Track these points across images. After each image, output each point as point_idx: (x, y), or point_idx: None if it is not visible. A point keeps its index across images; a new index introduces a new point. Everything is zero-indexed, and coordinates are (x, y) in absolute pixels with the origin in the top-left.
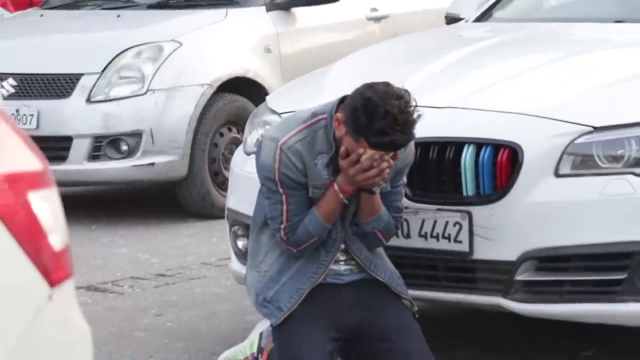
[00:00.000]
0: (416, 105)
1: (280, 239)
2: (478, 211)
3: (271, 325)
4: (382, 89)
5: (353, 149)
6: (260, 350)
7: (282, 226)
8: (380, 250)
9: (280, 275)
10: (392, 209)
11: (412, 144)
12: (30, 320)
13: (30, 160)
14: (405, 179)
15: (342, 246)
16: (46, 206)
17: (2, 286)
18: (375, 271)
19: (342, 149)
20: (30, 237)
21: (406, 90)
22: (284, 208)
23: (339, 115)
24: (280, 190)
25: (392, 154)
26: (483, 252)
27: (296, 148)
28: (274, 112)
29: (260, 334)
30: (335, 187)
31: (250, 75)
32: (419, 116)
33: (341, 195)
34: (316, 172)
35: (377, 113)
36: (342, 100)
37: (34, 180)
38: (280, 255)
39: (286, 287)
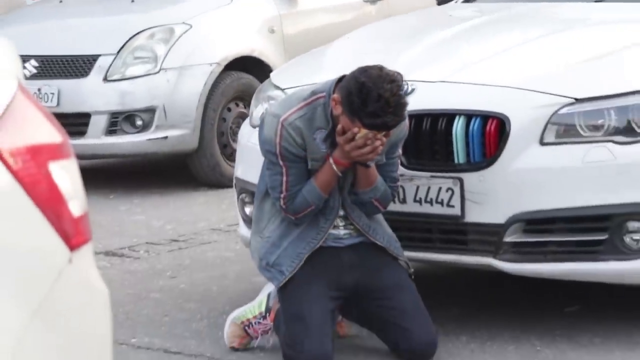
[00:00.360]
0: (407, 90)
1: (280, 208)
2: (469, 177)
3: (275, 287)
4: (375, 74)
5: (349, 128)
6: (267, 309)
7: (282, 195)
8: (379, 215)
9: (282, 241)
10: (389, 179)
11: (406, 120)
12: (52, 282)
13: (50, 133)
14: (400, 151)
15: (342, 212)
16: (66, 175)
17: (26, 250)
18: (374, 236)
19: (339, 126)
20: (51, 204)
21: (399, 73)
22: (284, 179)
23: (336, 96)
24: (281, 162)
25: (384, 132)
26: (474, 215)
27: (296, 124)
28: (277, 87)
29: (268, 295)
30: (331, 160)
31: (255, 54)
32: (413, 90)
33: (335, 168)
34: (314, 146)
35: (371, 97)
36: (340, 79)
37: (55, 152)
38: (281, 222)
39: (287, 251)
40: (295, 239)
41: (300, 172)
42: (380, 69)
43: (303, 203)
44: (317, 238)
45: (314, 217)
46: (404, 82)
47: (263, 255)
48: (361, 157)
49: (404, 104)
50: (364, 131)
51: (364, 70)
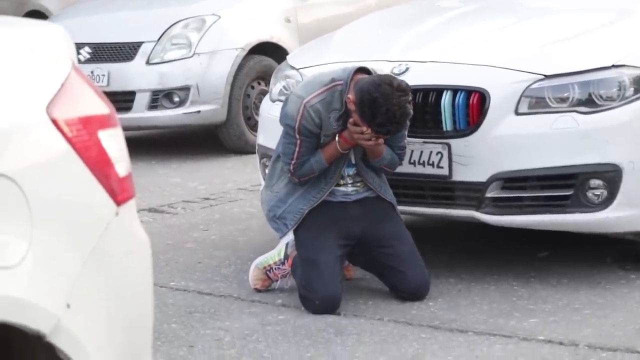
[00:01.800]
0: (411, 100)
1: (288, 171)
2: (455, 143)
3: (279, 237)
4: (387, 90)
5: (359, 122)
6: (286, 257)
7: (292, 162)
8: (384, 177)
9: (288, 198)
10: (397, 147)
11: (412, 112)
12: (101, 232)
13: (100, 106)
14: (407, 124)
15: (351, 172)
16: (113, 142)
17: (80, 205)
18: (384, 194)
19: (351, 120)
20: (100, 166)
21: (407, 85)
22: (297, 149)
23: (351, 96)
24: (297, 136)
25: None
26: (460, 175)
27: (317, 107)
28: (292, 67)
29: (287, 244)
30: (337, 139)
31: (274, 40)
32: (407, 69)
33: (339, 147)
34: (329, 124)
35: (380, 111)
36: (357, 70)
37: (103, 121)
38: (289, 181)
39: (291, 207)
40: (299, 197)
41: (311, 146)
42: (391, 83)
43: (309, 170)
44: (317, 197)
45: (316, 179)
46: (409, 93)
47: (271, 207)
48: (363, 145)
49: (408, 114)
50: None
51: (377, 85)
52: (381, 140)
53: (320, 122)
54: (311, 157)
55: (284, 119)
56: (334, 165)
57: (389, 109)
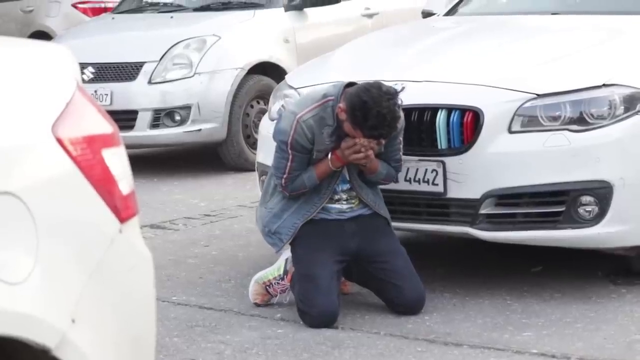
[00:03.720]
0: (399, 90)
1: (280, 185)
2: (450, 161)
3: (275, 252)
4: (376, 93)
5: (351, 133)
6: (285, 272)
7: (284, 177)
8: (379, 192)
9: (282, 213)
10: (393, 161)
11: (402, 115)
12: (105, 248)
13: (103, 125)
14: (401, 139)
15: (345, 187)
16: (116, 160)
17: (84, 222)
18: (379, 209)
19: (344, 144)
20: (104, 184)
21: (395, 90)
22: (288, 164)
23: (342, 105)
24: (290, 151)
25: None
26: (454, 192)
27: (310, 122)
28: (291, 87)
29: (286, 260)
30: (329, 156)
31: (273, 60)
32: (403, 88)
33: (331, 165)
34: (321, 140)
35: (371, 114)
36: (347, 85)
37: (107, 140)
38: (283, 197)
39: (286, 222)
40: (293, 212)
41: (302, 161)
42: (379, 87)
43: (301, 185)
44: (310, 211)
45: (310, 195)
46: (398, 97)
47: (266, 223)
48: (355, 161)
49: (398, 117)
50: (363, 140)
51: (366, 90)
52: (371, 152)
53: (312, 138)
54: (303, 172)
55: (278, 134)
56: (326, 181)
57: (379, 112)
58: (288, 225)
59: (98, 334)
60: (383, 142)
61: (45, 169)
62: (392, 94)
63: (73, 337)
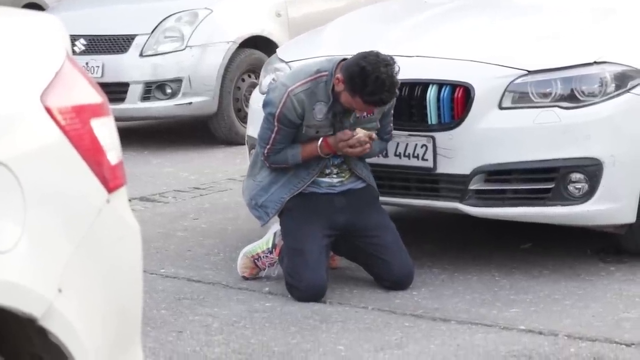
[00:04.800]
0: (397, 71)
1: (262, 154)
2: (440, 136)
3: (261, 225)
4: (373, 60)
5: (349, 102)
6: (274, 245)
7: (267, 147)
8: (368, 166)
9: (270, 186)
10: (385, 133)
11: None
12: (93, 218)
13: (92, 95)
14: (392, 113)
15: (337, 162)
16: (105, 130)
17: (72, 192)
18: (372, 182)
19: (341, 135)
20: (92, 154)
21: (392, 58)
22: (273, 136)
23: (339, 75)
24: (275, 123)
25: (374, 134)
26: (444, 167)
27: (300, 96)
28: (282, 60)
29: (275, 233)
30: (319, 142)
31: (265, 34)
32: (399, 69)
33: (319, 151)
34: (311, 116)
35: (370, 79)
36: (342, 61)
37: (95, 110)
38: (272, 170)
39: (273, 196)
40: (281, 186)
41: (287, 135)
42: (377, 55)
43: (283, 160)
44: (298, 186)
45: (298, 169)
46: (395, 64)
47: (253, 195)
48: (348, 154)
49: (397, 83)
50: (361, 133)
51: (364, 57)
52: (367, 146)
53: (302, 112)
54: (289, 148)
55: (267, 106)
56: (315, 160)
57: (378, 77)
58: (275, 199)
59: (84, 304)
60: (376, 114)
61: (34, 138)
62: (390, 61)
63: (59, 307)
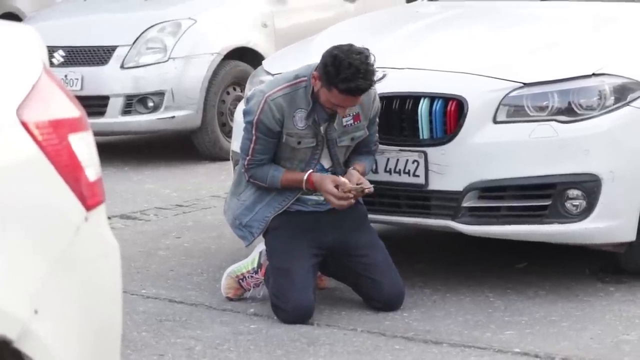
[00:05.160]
0: (374, 61)
1: (243, 166)
2: (432, 151)
3: (245, 246)
4: (346, 48)
5: (327, 101)
6: (259, 265)
7: (247, 158)
8: None
9: (254, 205)
10: (372, 143)
11: (377, 98)
12: (70, 236)
13: (70, 109)
14: (377, 121)
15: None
16: (83, 146)
17: (49, 209)
18: (360, 201)
19: (330, 188)
20: (70, 170)
21: (366, 48)
22: (252, 146)
23: (315, 72)
24: (253, 131)
25: (361, 188)
26: (436, 184)
27: (279, 101)
28: (268, 73)
29: (260, 253)
30: (305, 177)
31: (250, 45)
32: (384, 75)
33: (303, 185)
34: (291, 123)
35: (343, 65)
36: None
37: (74, 125)
38: (257, 189)
39: (258, 215)
40: (266, 205)
41: (267, 145)
42: (350, 45)
43: (262, 178)
44: (282, 204)
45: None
46: (370, 54)
47: (237, 215)
48: (331, 204)
49: (372, 71)
50: (349, 186)
51: (336, 47)
52: (352, 201)
53: (281, 119)
54: (272, 168)
55: (246, 115)
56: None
57: (351, 63)
58: (259, 219)
59: (61, 326)
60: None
61: (9, 153)
62: (364, 50)
63: (35, 329)
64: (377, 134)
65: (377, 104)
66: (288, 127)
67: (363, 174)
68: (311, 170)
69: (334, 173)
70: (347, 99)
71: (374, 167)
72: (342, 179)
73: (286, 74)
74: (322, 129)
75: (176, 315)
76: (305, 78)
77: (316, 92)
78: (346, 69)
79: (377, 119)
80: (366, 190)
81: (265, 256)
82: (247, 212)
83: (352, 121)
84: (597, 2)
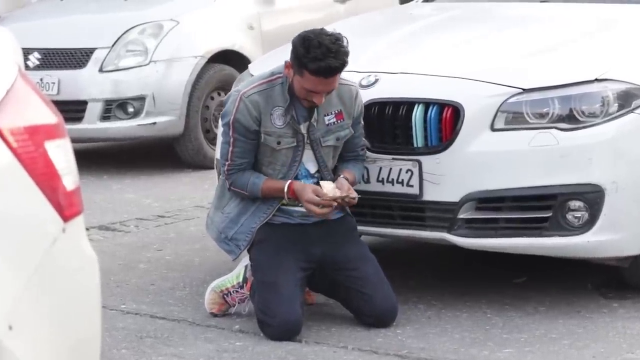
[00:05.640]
0: (347, 44)
1: (223, 173)
2: (427, 160)
3: (232, 259)
4: (316, 30)
5: (301, 86)
6: (245, 280)
7: (227, 164)
8: None
9: (239, 217)
10: (359, 147)
11: (360, 96)
12: (47, 249)
13: (47, 115)
14: (362, 123)
15: (310, 182)
16: (60, 153)
17: (24, 220)
18: (348, 212)
19: (310, 197)
20: (47, 179)
21: (339, 33)
22: (230, 149)
23: (287, 60)
24: (230, 133)
25: (341, 197)
26: (431, 194)
27: (254, 98)
28: None
29: (246, 267)
30: (286, 186)
31: (236, 48)
32: (376, 81)
33: (285, 196)
34: (269, 122)
35: (312, 44)
36: None
37: (50, 132)
38: (240, 200)
39: (243, 227)
40: (251, 215)
41: (246, 147)
42: (321, 28)
43: (243, 186)
44: (267, 212)
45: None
46: (343, 37)
47: (222, 229)
48: (309, 211)
49: (344, 52)
50: (329, 196)
51: (306, 31)
52: (328, 210)
53: (258, 116)
54: (253, 175)
55: (223, 118)
56: (285, 179)
57: (321, 42)
58: (245, 230)
59: (37, 343)
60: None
61: None
62: (334, 33)
63: (10, 345)
64: (364, 138)
65: (360, 102)
66: (266, 126)
67: (353, 183)
68: (292, 180)
69: (322, 178)
70: (320, 82)
71: (365, 175)
72: (323, 191)
73: (263, 72)
74: (302, 127)
75: (158, 331)
76: (282, 75)
77: (291, 84)
78: (316, 48)
79: (362, 121)
80: (349, 200)
81: (251, 270)
82: (232, 225)
83: (334, 119)
84: (600, 3)
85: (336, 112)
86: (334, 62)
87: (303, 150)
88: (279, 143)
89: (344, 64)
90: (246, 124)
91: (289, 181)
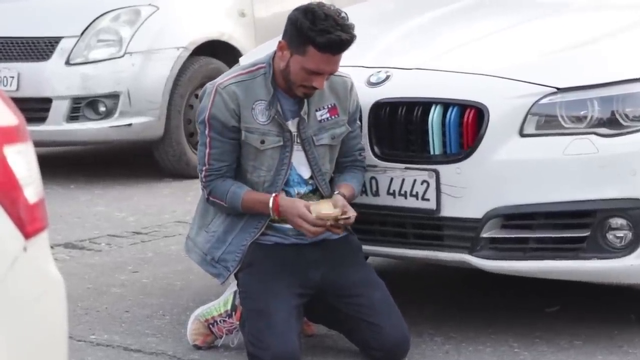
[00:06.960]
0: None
1: (200, 181)
2: (445, 170)
3: (221, 283)
4: (315, 3)
5: (302, 69)
6: (233, 308)
7: (204, 168)
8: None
9: (226, 236)
10: (356, 150)
11: (355, 90)
12: (5, 270)
13: (6, 116)
14: (359, 122)
15: (303, 190)
16: (22, 160)
17: None
18: (351, 231)
19: (303, 215)
20: (5, 190)
21: (339, 9)
22: (207, 151)
23: (281, 41)
24: (207, 132)
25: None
26: (450, 209)
27: (232, 89)
28: None
29: (235, 292)
30: (271, 201)
31: (225, 38)
32: (387, 77)
33: (270, 212)
34: (250, 117)
35: (318, 15)
36: None
37: (10, 135)
38: (227, 217)
39: (232, 246)
40: (240, 232)
41: (224, 148)
42: (318, 2)
43: (222, 196)
44: (257, 227)
45: None
46: (344, 12)
47: (208, 250)
48: (305, 231)
49: (351, 25)
50: (322, 214)
51: (303, 5)
52: (320, 230)
53: (237, 110)
54: (234, 184)
55: (199, 116)
56: (273, 187)
57: (327, 14)
58: (234, 250)
59: None
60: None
61: None
62: (335, 7)
63: None
64: (361, 140)
65: (356, 96)
66: (247, 121)
67: (351, 198)
68: (278, 193)
69: (317, 186)
70: (326, 60)
71: (374, 187)
72: (314, 208)
73: (243, 63)
74: (290, 124)
75: None
76: (264, 64)
77: (284, 69)
78: (323, 20)
79: (358, 115)
80: (342, 222)
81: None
82: (218, 245)
83: (328, 115)
84: None
85: (329, 106)
86: (343, 34)
87: (292, 151)
88: (262, 142)
89: (353, 37)
90: (223, 119)
91: (274, 194)
